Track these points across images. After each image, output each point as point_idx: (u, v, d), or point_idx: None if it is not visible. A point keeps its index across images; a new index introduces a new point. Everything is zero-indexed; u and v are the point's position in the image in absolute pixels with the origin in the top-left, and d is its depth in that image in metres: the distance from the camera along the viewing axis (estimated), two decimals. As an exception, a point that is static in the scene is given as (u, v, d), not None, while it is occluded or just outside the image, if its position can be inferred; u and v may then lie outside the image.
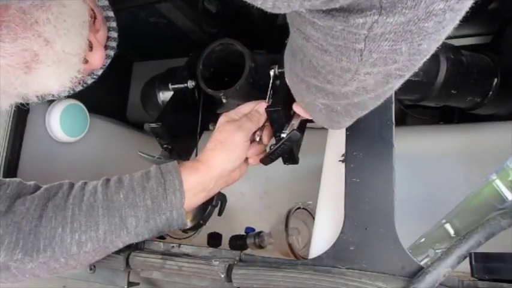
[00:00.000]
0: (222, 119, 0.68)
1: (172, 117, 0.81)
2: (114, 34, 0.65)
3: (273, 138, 0.68)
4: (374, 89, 0.42)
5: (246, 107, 0.69)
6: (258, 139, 0.69)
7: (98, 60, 0.60)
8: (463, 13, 0.32)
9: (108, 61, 0.67)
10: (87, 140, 1.03)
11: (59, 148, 0.98)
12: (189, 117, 0.85)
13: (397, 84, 0.42)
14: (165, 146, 0.80)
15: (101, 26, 0.61)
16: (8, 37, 0.43)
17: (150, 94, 1.07)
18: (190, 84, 0.82)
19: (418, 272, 0.48)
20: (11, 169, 0.85)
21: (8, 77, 0.46)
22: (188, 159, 0.83)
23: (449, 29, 0.34)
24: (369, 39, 0.34)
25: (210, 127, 0.87)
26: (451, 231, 0.59)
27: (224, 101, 0.77)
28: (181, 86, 0.83)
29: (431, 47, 0.36)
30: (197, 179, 0.63)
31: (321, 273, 0.52)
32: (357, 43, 0.34)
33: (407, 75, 0.40)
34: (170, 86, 0.85)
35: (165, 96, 1.03)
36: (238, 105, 0.71)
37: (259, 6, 0.33)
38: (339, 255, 0.54)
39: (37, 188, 0.64)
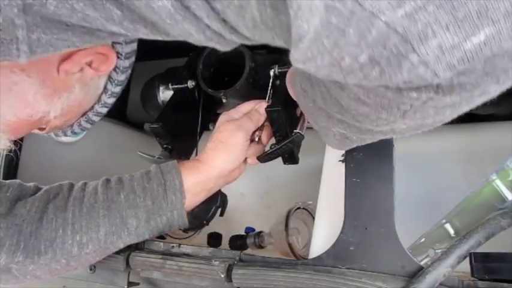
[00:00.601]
0: (222, 118, 0.68)
1: (172, 117, 0.80)
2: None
3: (272, 138, 0.68)
4: (402, 133, 0.41)
5: (246, 106, 0.69)
6: (257, 139, 0.69)
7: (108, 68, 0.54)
8: None
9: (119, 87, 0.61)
10: (87, 140, 1.02)
11: (59, 148, 0.98)
12: (189, 117, 0.85)
13: None
14: (165, 146, 0.80)
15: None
16: None
17: (150, 94, 1.07)
18: (190, 84, 0.82)
19: (418, 272, 0.48)
20: (11, 169, 0.85)
21: None
22: (188, 159, 0.83)
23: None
24: (418, 106, 0.33)
25: (210, 127, 0.87)
26: (451, 231, 0.59)
27: (224, 100, 0.77)
28: (181, 86, 0.83)
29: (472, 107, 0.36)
30: (197, 179, 0.63)
31: (321, 273, 0.52)
32: (403, 105, 0.34)
33: None
34: (170, 86, 0.85)
35: (165, 96, 1.03)
36: (238, 105, 0.71)
37: (312, 73, 0.32)
38: (339, 255, 0.54)
39: (37, 189, 0.64)
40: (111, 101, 0.60)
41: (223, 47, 0.34)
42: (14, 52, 0.31)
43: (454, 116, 0.36)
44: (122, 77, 0.58)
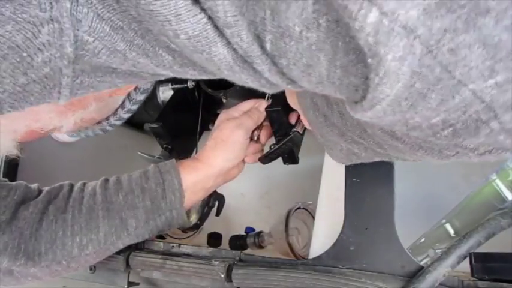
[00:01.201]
0: (222, 117, 0.68)
1: (172, 117, 0.81)
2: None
3: (272, 137, 0.68)
4: (415, 160, 0.40)
5: (246, 105, 0.69)
6: (255, 138, 0.69)
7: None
8: None
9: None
10: (87, 140, 1.02)
11: (59, 148, 0.98)
12: (189, 117, 0.85)
13: None
14: (165, 146, 0.80)
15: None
16: None
17: (150, 94, 1.07)
18: (190, 84, 0.82)
19: (418, 272, 0.48)
20: (11, 169, 0.85)
21: None
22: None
23: None
24: (464, 154, 0.31)
25: (210, 127, 0.87)
26: (451, 231, 0.59)
27: (224, 100, 0.77)
28: (181, 86, 0.83)
29: None
30: (196, 178, 0.63)
31: (321, 273, 0.52)
32: (448, 151, 0.32)
33: None
34: (170, 86, 0.85)
35: (165, 96, 1.03)
36: (238, 104, 0.71)
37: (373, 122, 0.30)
38: (339, 255, 0.54)
39: (40, 191, 0.64)
40: (126, 116, 0.60)
41: (272, 91, 0.32)
42: (55, 95, 0.31)
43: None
44: (141, 97, 0.58)
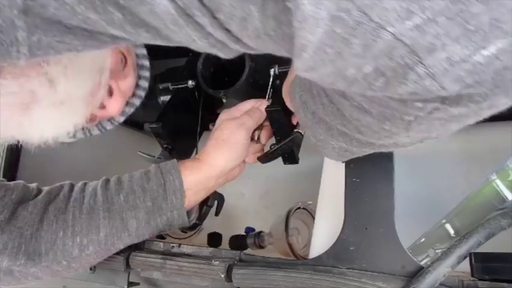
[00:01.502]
0: (222, 116, 0.68)
1: (172, 117, 0.80)
2: (145, 83, 0.63)
3: (272, 138, 0.68)
4: (405, 146, 0.41)
5: (247, 105, 0.69)
6: (256, 138, 0.69)
7: (115, 107, 0.58)
8: None
9: (132, 109, 0.64)
10: (87, 140, 1.02)
11: (59, 148, 0.98)
12: (189, 117, 0.85)
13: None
14: (165, 146, 0.80)
15: (130, 73, 0.59)
16: (9, 74, 0.40)
17: (150, 94, 1.07)
18: (190, 84, 0.82)
19: (418, 271, 0.48)
20: (11, 169, 0.85)
21: (3, 116, 0.43)
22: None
23: None
24: (423, 117, 0.33)
25: (210, 127, 0.87)
26: (451, 231, 0.59)
27: (224, 100, 0.77)
28: (181, 86, 0.83)
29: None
30: (198, 178, 0.63)
31: (321, 273, 0.52)
32: (407, 116, 0.33)
33: None
34: (170, 86, 0.85)
35: (165, 96, 1.03)
36: (238, 104, 0.71)
37: (316, 81, 0.32)
38: (339, 255, 0.54)
39: (39, 191, 0.64)
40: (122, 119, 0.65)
41: (226, 55, 0.34)
42: (14, 54, 0.31)
43: (460, 128, 0.36)
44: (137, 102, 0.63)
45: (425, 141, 0.39)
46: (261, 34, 0.29)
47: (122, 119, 0.65)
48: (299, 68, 0.30)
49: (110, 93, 0.57)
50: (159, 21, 0.29)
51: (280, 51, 0.31)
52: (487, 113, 0.32)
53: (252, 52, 0.33)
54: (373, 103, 0.34)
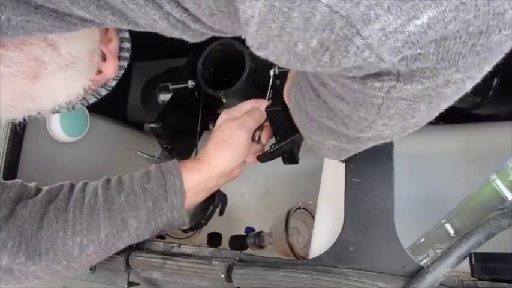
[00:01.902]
0: (223, 116, 0.68)
1: (172, 117, 0.80)
2: (127, 44, 0.63)
3: (272, 137, 0.68)
4: (390, 137, 0.41)
5: (247, 105, 0.69)
6: (257, 138, 0.69)
7: (111, 70, 0.58)
8: (482, 76, 0.32)
9: (121, 72, 0.64)
10: (87, 140, 1.02)
11: (59, 148, 0.98)
12: (189, 117, 0.85)
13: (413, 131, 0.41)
14: (165, 146, 0.80)
15: (113, 36, 0.59)
16: (11, 45, 0.40)
17: (150, 94, 1.07)
18: (190, 84, 0.82)
19: (418, 271, 0.48)
20: (11, 169, 0.85)
21: (14, 88, 0.43)
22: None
23: (469, 89, 0.33)
24: (387, 99, 0.33)
25: (210, 127, 0.87)
26: (451, 231, 0.59)
27: (224, 100, 0.77)
28: (181, 86, 0.83)
29: (450, 104, 0.36)
30: (198, 179, 0.63)
31: (321, 273, 0.52)
32: (374, 99, 0.34)
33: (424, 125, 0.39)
34: (170, 86, 0.85)
35: (165, 96, 1.03)
36: (239, 104, 0.71)
37: (273, 61, 0.32)
38: (339, 255, 0.54)
39: (38, 190, 0.64)
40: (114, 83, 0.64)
41: (190, 38, 0.34)
42: None
43: (435, 113, 0.36)
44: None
45: (407, 130, 0.39)
46: (214, 10, 0.29)
47: (113, 83, 0.65)
48: (251, 46, 0.30)
49: (103, 58, 0.57)
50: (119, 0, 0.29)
51: (237, 29, 0.31)
52: (448, 92, 0.32)
53: (214, 33, 0.33)
54: (344, 87, 0.35)
